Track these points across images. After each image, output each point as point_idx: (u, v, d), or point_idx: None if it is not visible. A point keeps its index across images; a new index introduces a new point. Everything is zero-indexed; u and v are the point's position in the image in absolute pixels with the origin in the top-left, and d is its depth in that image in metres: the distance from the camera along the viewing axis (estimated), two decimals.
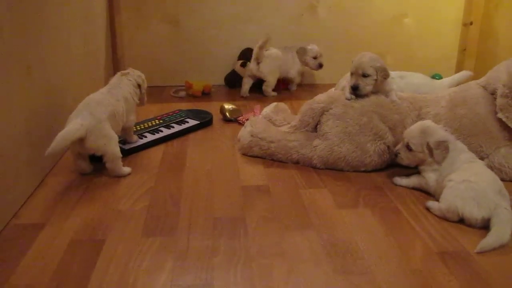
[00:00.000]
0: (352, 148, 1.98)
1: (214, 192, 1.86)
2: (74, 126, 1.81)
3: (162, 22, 3.24)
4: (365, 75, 2.02)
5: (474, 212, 1.59)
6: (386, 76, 2.03)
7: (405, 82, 2.35)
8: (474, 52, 3.42)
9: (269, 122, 2.28)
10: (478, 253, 1.48)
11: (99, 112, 1.90)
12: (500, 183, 1.68)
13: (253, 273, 1.38)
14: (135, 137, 2.23)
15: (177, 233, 1.58)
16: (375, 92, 2.05)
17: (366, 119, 1.98)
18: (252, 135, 2.14)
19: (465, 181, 1.65)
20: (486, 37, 3.33)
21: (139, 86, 2.16)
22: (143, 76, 2.20)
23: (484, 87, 2.05)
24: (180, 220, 1.66)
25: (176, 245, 1.52)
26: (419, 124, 1.86)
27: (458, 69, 3.50)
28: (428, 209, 1.72)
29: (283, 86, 3.27)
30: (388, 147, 2.00)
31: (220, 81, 3.30)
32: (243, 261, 1.43)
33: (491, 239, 1.51)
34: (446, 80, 2.53)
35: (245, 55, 3.26)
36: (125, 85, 2.11)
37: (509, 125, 1.93)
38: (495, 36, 3.24)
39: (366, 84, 2.02)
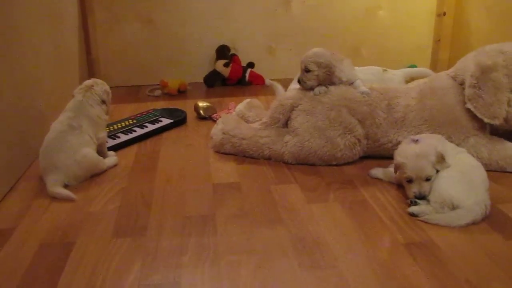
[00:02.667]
0: (322, 143, 1.99)
1: (186, 191, 1.86)
2: (55, 189, 1.83)
3: (136, 21, 3.23)
4: (307, 70, 2.05)
5: (465, 201, 1.60)
6: (329, 72, 2.05)
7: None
8: (448, 43, 3.45)
9: (241, 119, 2.29)
10: (412, 214, 1.64)
11: (63, 160, 1.87)
12: (488, 181, 1.70)
13: (220, 271, 1.39)
14: (109, 153, 2.12)
15: (147, 233, 1.58)
16: (328, 84, 2.08)
17: (335, 113, 1.99)
18: (223, 133, 2.15)
19: (460, 173, 1.68)
20: (459, 27, 3.35)
21: (104, 102, 2.06)
22: (108, 88, 2.10)
23: (454, 78, 2.07)
24: (150, 220, 1.66)
25: (146, 245, 1.52)
26: (413, 153, 1.72)
27: (434, 59, 3.53)
28: (413, 215, 1.65)
29: (259, 82, 3.28)
30: (359, 140, 2.01)
31: (197, 78, 3.29)
32: (211, 259, 1.44)
33: (442, 218, 1.60)
34: (400, 72, 2.54)
35: (222, 53, 3.26)
36: (89, 107, 1.99)
37: (478, 115, 1.95)
38: (468, 26, 3.26)
39: (308, 79, 2.06)
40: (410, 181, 1.71)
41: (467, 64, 2.03)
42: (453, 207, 1.61)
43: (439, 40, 3.47)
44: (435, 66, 3.46)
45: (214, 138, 2.18)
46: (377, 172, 1.93)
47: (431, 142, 1.76)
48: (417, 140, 1.76)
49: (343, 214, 1.67)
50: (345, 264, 1.40)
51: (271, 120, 2.10)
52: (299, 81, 2.09)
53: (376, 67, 2.51)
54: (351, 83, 2.07)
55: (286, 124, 2.09)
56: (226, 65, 3.17)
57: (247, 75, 3.25)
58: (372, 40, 3.47)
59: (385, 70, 2.50)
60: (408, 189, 1.73)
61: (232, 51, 3.31)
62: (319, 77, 2.04)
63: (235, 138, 2.12)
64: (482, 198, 1.62)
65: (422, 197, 1.69)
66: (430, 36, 3.52)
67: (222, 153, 2.17)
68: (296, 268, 1.39)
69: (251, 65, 3.29)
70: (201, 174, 1.99)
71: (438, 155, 1.70)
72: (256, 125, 2.16)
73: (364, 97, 2.03)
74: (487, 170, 1.85)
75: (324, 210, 1.70)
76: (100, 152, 2.06)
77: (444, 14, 3.41)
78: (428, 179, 1.69)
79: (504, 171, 1.96)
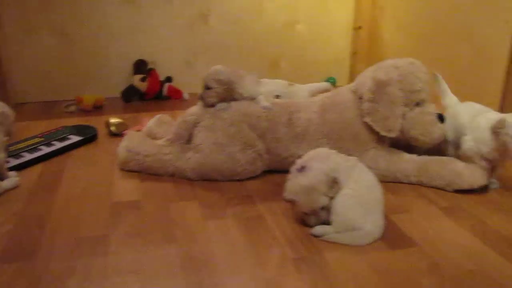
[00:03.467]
0: (223, 159, 2.01)
1: (84, 211, 1.83)
2: None
3: (50, 35, 3.16)
4: (207, 87, 2.07)
5: (364, 224, 1.61)
6: (229, 89, 2.07)
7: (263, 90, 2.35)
8: (365, 55, 3.56)
9: (149, 135, 2.28)
10: (315, 235, 1.63)
11: None
12: (383, 199, 1.70)
13: None
14: (10, 174, 2.05)
15: (37, 256, 1.54)
16: (230, 100, 2.09)
17: (235, 129, 2.01)
18: (128, 150, 2.13)
19: (358, 195, 1.64)
20: (374, 40, 3.46)
21: (1, 123, 2.00)
22: (6, 110, 2.04)
23: (354, 92, 2.12)
24: (42, 243, 1.62)
25: (33, 269, 1.48)
26: (302, 188, 1.64)
27: (352, 72, 3.63)
28: (316, 236, 1.64)
29: (177, 96, 3.28)
30: (260, 155, 2.04)
31: (114, 93, 3.25)
32: (98, 281, 1.42)
33: (343, 238, 1.60)
34: (306, 86, 2.60)
35: (139, 67, 3.24)
36: None
37: (375, 128, 2.01)
38: (381, 39, 3.37)
39: (209, 96, 2.07)
40: (306, 214, 1.68)
41: (365, 79, 2.09)
42: (353, 229, 1.62)
43: (355, 53, 3.57)
44: (353, 78, 3.55)
45: (119, 156, 2.16)
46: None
47: (319, 167, 1.65)
48: (303, 168, 1.66)
49: (237, 230, 1.69)
50: (230, 283, 1.41)
51: (175, 136, 2.10)
52: (200, 98, 2.09)
53: (282, 80, 2.55)
54: (253, 99, 2.10)
55: (190, 140, 2.09)
56: (143, 79, 3.16)
57: (164, 89, 3.24)
58: (290, 53, 3.53)
59: (291, 84, 2.54)
60: (307, 220, 1.69)
61: (150, 66, 3.30)
62: (220, 94, 2.06)
63: (139, 155, 2.10)
64: (380, 222, 1.65)
65: (323, 223, 1.66)
66: (348, 49, 3.63)
67: (127, 170, 2.15)
68: None
69: (169, 79, 3.29)
70: (102, 193, 1.96)
71: (329, 181, 1.63)
72: (161, 141, 2.15)
73: (264, 112, 2.05)
74: (384, 181, 1.91)
75: (219, 227, 1.70)
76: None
77: (360, 28, 3.51)
78: (323, 208, 1.65)
79: (400, 182, 2.03)
